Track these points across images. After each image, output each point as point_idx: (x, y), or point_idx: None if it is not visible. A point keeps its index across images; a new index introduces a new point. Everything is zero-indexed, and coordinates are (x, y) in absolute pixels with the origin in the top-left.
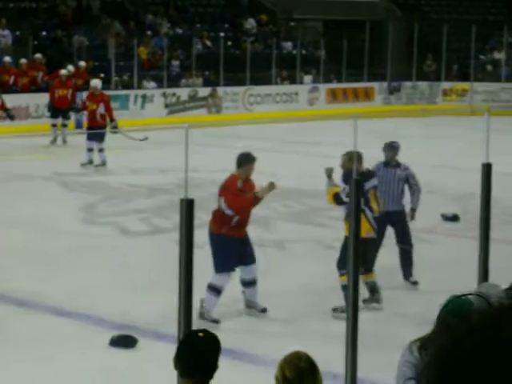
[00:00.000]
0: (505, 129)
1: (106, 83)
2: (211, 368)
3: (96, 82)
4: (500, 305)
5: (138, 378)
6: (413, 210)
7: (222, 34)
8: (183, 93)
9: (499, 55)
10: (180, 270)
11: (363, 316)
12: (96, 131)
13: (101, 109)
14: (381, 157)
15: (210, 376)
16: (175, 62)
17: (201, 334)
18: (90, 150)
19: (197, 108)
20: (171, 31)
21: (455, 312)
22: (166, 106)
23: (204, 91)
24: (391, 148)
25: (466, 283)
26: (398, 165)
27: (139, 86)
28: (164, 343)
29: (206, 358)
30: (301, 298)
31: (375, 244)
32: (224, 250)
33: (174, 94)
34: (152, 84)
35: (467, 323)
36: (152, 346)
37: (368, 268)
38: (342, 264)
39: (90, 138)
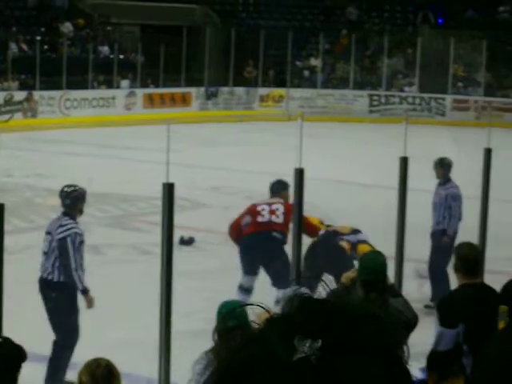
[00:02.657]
0: (319, 134)
1: None
2: (12, 375)
3: None
4: (272, 316)
5: None
6: (443, 232)
7: (38, 38)
8: None
9: (315, 62)
10: None
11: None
12: None
13: None
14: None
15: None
16: None
17: (0, 340)
18: None
19: (12, 112)
20: None
21: (227, 316)
22: None
23: (20, 95)
24: (440, 165)
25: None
26: (444, 183)
27: None
28: None
29: (5, 365)
30: (117, 302)
31: None
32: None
33: None
34: None
35: (244, 334)
36: None
37: None
38: None
39: None
